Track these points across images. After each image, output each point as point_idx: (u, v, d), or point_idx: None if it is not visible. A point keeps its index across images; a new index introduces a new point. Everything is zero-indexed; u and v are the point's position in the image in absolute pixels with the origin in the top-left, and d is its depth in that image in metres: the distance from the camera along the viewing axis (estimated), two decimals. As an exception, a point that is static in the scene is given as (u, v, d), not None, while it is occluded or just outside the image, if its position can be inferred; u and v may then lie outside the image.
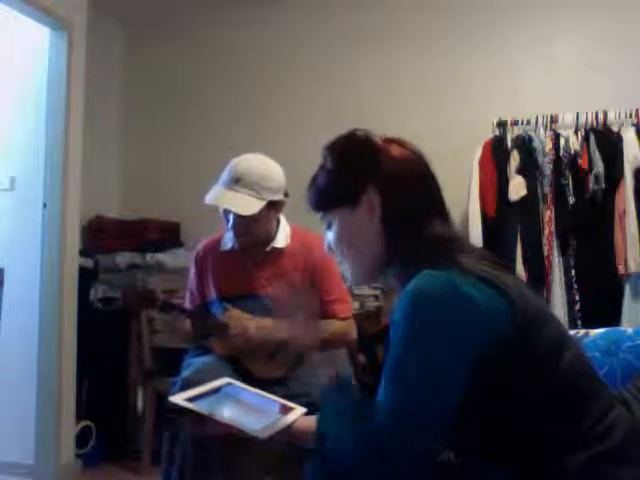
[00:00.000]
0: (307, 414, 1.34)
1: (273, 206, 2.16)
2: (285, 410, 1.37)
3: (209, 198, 2.13)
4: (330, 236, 1.26)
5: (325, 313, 2.23)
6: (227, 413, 1.32)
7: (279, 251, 2.24)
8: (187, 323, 2.22)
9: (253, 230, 2.17)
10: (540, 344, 1.06)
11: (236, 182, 2.11)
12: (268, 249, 2.23)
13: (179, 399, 1.30)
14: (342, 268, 1.33)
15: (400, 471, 1.04)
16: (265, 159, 2.19)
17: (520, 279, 1.20)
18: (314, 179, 1.27)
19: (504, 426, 1.07)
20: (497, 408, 1.07)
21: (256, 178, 2.11)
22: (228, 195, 2.11)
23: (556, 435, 1.04)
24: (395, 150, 1.22)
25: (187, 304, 2.34)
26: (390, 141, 1.24)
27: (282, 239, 2.25)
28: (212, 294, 2.27)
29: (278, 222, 2.26)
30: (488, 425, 1.08)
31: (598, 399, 1.09)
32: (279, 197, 2.17)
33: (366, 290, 3.29)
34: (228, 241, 2.26)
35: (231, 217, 2.14)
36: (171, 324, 2.18)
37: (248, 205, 2.09)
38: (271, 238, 2.23)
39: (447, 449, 1.15)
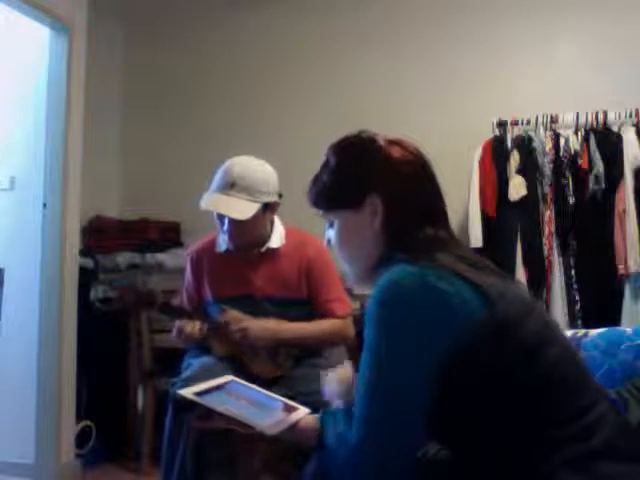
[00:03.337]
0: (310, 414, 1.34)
1: (267, 208, 2.17)
2: (289, 409, 1.37)
3: (204, 203, 2.14)
4: (331, 234, 1.27)
5: (323, 312, 2.25)
6: (234, 408, 1.32)
7: (274, 251, 2.25)
8: (191, 325, 2.21)
9: (248, 232, 2.17)
10: (517, 341, 1.04)
11: (230, 186, 2.11)
12: (263, 250, 2.24)
13: (188, 393, 1.31)
14: (343, 267, 1.32)
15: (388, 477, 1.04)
16: (258, 161, 2.20)
17: (506, 279, 1.16)
18: (317, 177, 1.27)
19: (483, 423, 1.05)
20: (472, 405, 1.05)
21: (250, 181, 2.11)
22: (223, 200, 2.11)
23: (536, 431, 1.02)
24: (398, 153, 1.21)
25: (182, 305, 2.34)
26: (393, 143, 1.23)
27: (277, 239, 2.25)
28: (208, 295, 2.28)
29: (272, 223, 2.27)
30: (465, 423, 1.06)
31: (584, 396, 1.06)
32: (273, 199, 2.18)
33: (367, 291, 3.28)
34: (223, 243, 2.26)
35: (226, 220, 2.15)
36: (180, 326, 2.18)
37: (243, 209, 2.10)
38: (266, 239, 2.24)
39: (443, 447, 1.14)
